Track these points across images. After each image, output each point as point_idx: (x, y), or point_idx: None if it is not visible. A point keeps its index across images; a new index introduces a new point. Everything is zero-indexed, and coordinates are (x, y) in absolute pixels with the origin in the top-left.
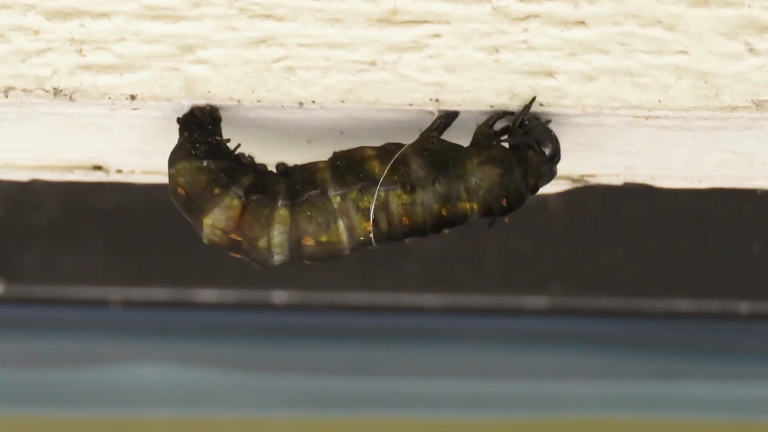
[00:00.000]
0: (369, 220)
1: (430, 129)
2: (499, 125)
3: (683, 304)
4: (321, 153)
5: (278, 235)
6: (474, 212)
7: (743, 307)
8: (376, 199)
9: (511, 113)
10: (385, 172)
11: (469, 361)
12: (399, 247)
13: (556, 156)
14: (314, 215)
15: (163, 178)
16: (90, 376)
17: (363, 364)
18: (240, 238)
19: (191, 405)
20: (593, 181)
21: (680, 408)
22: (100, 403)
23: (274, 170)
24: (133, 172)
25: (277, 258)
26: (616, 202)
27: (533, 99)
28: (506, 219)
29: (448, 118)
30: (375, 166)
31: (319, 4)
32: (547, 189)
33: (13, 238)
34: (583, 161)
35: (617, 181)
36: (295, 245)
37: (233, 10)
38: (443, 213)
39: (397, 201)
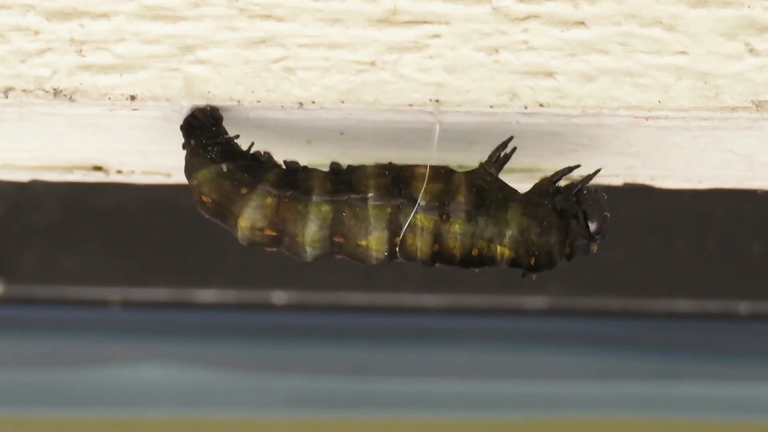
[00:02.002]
0: (400, 235)
1: (488, 162)
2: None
3: (683, 304)
4: (321, 153)
5: (316, 231)
6: (504, 259)
7: (743, 307)
8: (411, 219)
9: (577, 166)
10: (421, 194)
11: (469, 361)
12: None
13: (598, 234)
14: (352, 217)
15: (163, 178)
16: (90, 376)
17: (363, 364)
18: (277, 233)
19: (191, 405)
20: (593, 181)
21: (680, 408)
22: (100, 403)
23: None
24: (133, 172)
25: (312, 253)
26: (616, 202)
27: (597, 171)
28: (534, 276)
29: (505, 148)
30: (420, 186)
31: (319, 4)
32: None
33: (13, 238)
34: (583, 161)
35: (617, 181)
36: (331, 241)
37: (233, 10)
38: (474, 251)
39: (432, 226)
